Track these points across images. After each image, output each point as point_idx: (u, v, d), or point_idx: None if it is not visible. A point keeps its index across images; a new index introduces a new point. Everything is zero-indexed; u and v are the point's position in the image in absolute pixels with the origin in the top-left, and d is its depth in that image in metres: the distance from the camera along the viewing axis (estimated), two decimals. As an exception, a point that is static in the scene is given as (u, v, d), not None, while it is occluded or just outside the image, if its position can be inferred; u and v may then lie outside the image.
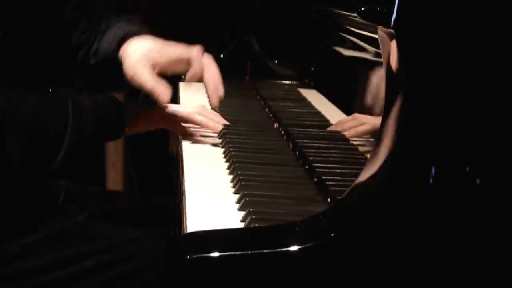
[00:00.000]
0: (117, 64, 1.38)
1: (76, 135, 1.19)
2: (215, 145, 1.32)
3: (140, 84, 1.31)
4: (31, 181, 1.34)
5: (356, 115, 1.36)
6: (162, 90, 1.29)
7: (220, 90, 1.38)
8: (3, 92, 1.16)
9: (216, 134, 1.37)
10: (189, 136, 1.37)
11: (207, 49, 1.45)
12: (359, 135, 1.32)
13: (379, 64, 0.87)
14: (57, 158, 1.17)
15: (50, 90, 1.37)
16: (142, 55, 1.34)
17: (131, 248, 1.29)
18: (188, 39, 1.50)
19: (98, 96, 1.30)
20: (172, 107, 1.40)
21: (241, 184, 1.05)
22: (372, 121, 1.29)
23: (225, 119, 1.43)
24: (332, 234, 0.77)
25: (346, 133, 1.33)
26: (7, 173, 1.18)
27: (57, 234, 1.28)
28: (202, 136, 1.37)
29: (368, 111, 1.34)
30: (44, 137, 1.18)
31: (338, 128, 1.37)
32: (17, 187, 1.26)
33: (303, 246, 0.76)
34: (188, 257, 0.76)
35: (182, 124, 1.39)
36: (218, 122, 1.40)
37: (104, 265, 1.24)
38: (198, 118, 1.40)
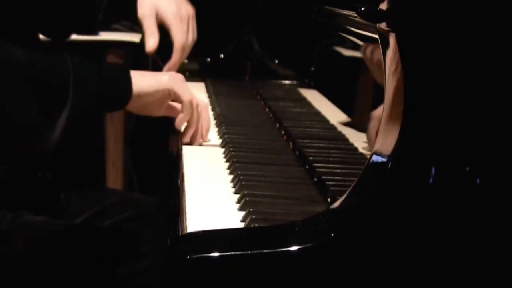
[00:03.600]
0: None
1: (79, 93, 1.14)
2: (215, 145, 1.32)
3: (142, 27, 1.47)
4: (30, 181, 1.34)
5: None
6: (151, 40, 1.46)
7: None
8: None
9: (215, 134, 1.36)
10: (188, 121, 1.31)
11: (207, 49, 1.45)
12: None
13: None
14: (61, 116, 1.12)
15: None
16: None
17: (130, 248, 1.29)
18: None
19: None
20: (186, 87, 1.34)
21: (241, 184, 1.05)
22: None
23: (226, 119, 1.42)
24: (332, 234, 0.77)
25: None
26: (9, 137, 1.13)
27: (56, 234, 1.28)
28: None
29: (368, 111, 1.34)
30: (44, 89, 1.13)
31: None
32: (15, 187, 1.26)
33: (303, 246, 0.76)
34: (188, 257, 0.76)
35: (191, 108, 1.30)
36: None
37: (104, 266, 1.24)
38: (193, 112, 1.32)
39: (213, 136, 1.36)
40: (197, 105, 1.31)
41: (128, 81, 1.22)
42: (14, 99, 1.10)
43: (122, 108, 1.27)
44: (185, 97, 1.28)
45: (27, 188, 1.31)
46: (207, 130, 1.33)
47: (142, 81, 1.24)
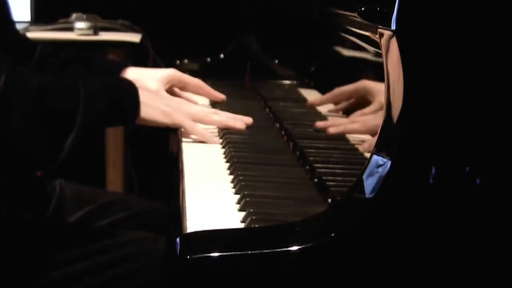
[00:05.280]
0: None
1: (88, 117, 1.15)
2: (215, 145, 1.32)
3: None
4: (25, 180, 1.33)
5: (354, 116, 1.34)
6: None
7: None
8: (9, 64, 1.13)
9: (216, 134, 1.36)
10: (197, 134, 1.33)
11: (207, 49, 1.45)
12: (346, 132, 1.29)
13: (379, 64, 0.87)
14: (67, 142, 1.14)
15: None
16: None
17: (129, 249, 1.29)
18: (189, 39, 1.51)
19: (111, 77, 1.28)
20: (188, 103, 1.37)
21: (241, 184, 1.05)
22: (365, 121, 1.27)
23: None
24: (332, 234, 0.77)
25: (331, 129, 1.31)
26: (14, 161, 1.14)
27: (52, 235, 1.28)
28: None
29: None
30: (53, 117, 1.14)
31: (328, 124, 1.34)
32: (11, 187, 1.26)
33: (303, 246, 0.76)
34: (188, 257, 0.76)
35: (194, 122, 1.33)
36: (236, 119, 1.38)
37: (101, 267, 1.24)
38: (216, 118, 1.36)
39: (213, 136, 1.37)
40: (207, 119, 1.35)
41: (135, 109, 1.24)
42: (22, 128, 1.11)
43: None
44: (190, 131, 1.33)
45: (22, 186, 1.31)
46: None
47: (149, 110, 1.27)
